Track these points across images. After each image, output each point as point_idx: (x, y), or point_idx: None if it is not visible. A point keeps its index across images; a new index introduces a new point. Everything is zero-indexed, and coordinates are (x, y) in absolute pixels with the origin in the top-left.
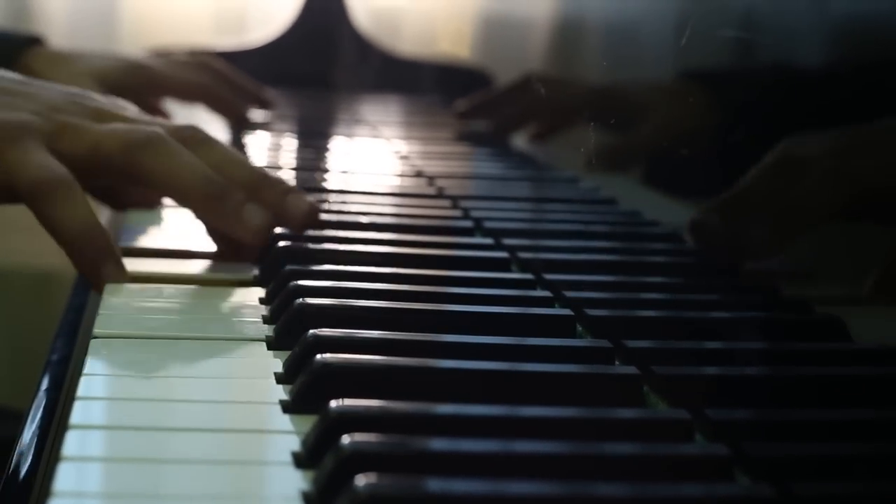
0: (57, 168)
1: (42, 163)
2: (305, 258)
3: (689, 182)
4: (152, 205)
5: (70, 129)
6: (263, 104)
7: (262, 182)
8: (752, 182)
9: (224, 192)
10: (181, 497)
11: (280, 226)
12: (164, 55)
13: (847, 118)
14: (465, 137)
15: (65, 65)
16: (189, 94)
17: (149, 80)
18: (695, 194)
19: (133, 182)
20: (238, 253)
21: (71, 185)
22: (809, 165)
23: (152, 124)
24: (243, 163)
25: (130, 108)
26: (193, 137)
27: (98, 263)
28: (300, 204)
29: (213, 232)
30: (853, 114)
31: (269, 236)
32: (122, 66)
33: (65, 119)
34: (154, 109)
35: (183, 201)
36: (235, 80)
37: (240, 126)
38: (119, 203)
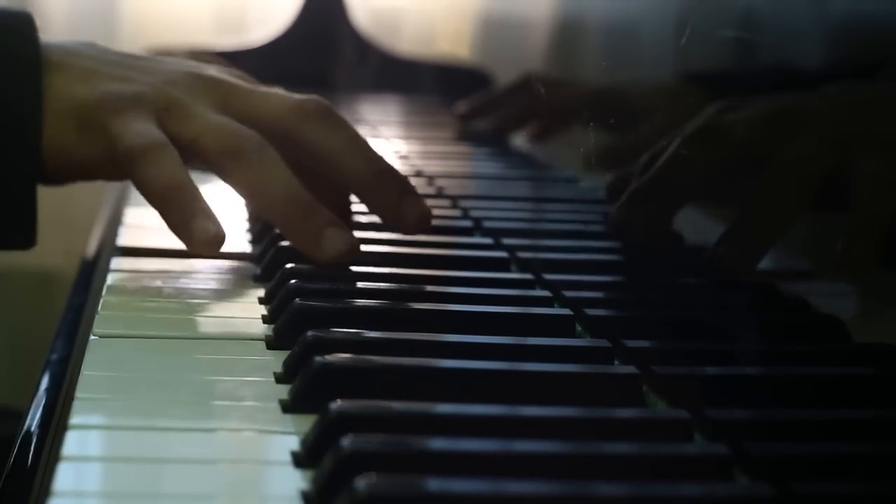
0: (154, 133)
1: (141, 130)
2: (305, 258)
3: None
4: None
5: (180, 109)
6: None
7: (380, 177)
8: (671, 159)
9: (306, 214)
10: (180, 496)
11: (391, 226)
12: (163, 55)
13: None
14: (465, 138)
15: None
16: None
17: None
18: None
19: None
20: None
21: (165, 147)
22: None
23: (269, 100)
24: (363, 150)
25: (248, 79)
26: (313, 114)
27: (187, 218)
28: (414, 209)
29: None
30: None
31: (349, 260)
32: None
33: (178, 95)
34: None
35: (264, 215)
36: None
37: None
38: None
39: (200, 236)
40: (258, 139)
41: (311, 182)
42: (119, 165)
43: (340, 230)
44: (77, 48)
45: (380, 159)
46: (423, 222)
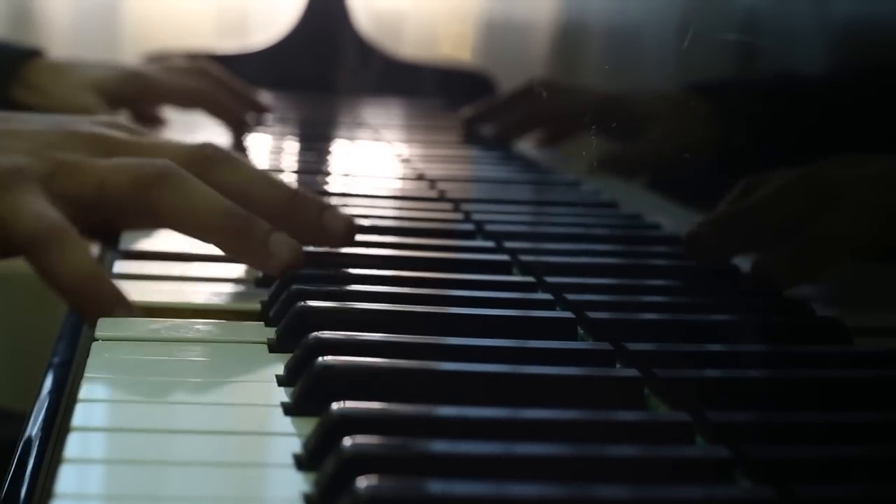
0: (52, 217)
1: (37, 212)
2: (306, 261)
3: (694, 190)
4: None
5: (69, 168)
6: (259, 109)
7: (294, 201)
8: (767, 199)
9: (248, 226)
10: (182, 499)
11: (317, 245)
12: (160, 60)
13: (855, 126)
14: (469, 142)
15: (64, 76)
16: (188, 101)
17: (147, 89)
18: (700, 202)
19: (144, 220)
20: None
21: (68, 234)
22: (841, 192)
23: (162, 149)
24: (272, 182)
25: (132, 129)
26: (213, 157)
27: (104, 310)
28: (338, 221)
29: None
30: (860, 121)
31: (300, 263)
32: (120, 75)
33: (62, 156)
34: (152, 117)
35: (204, 238)
36: (232, 84)
37: (240, 130)
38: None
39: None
40: (170, 163)
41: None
42: (15, 249)
43: (281, 235)
44: None
45: (286, 187)
46: (349, 231)
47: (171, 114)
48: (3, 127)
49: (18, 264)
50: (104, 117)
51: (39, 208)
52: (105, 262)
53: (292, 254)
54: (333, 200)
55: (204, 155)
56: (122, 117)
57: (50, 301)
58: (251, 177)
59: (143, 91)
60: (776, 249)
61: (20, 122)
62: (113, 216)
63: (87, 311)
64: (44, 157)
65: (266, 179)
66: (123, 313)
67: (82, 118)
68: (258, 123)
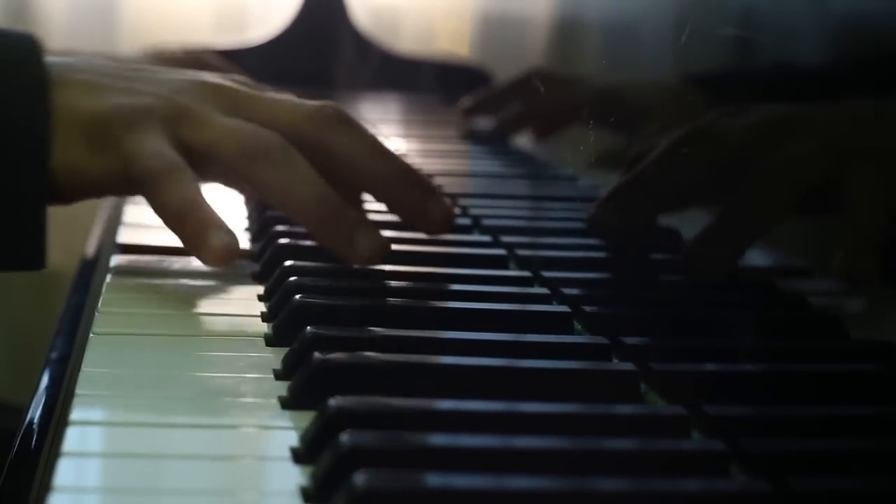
0: (169, 155)
1: (155, 150)
2: (304, 255)
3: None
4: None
5: (192, 116)
6: None
7: (402, 179)
8: (658, 160)
9: (337, 216)
10: (180, 492)
11: (414, 229)
12: (159, 53)
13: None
14: (468, 135)
15: None
16: None
17: None
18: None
19: (242, 186)
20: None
21: (181, 170)
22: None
23: (281, 107)
24: (385, 153)
25: (257, 86)
26: (332, 118)
27: (202, 231)
28: (438, 209)
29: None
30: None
31: (379, 260)
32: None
33: (187, 103)
34: None
35: (294, 218)
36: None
37: None
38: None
39: (216, 246)
40: (280, 139)
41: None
42: (133, 184)
43: (370, 230)
44: (80, 63)
45: (400, 161)
46: (447, 221)
47: None
48: (140, 74)
49: None
50: (230, 74)
51: (159, 147)
52: (102, 256)
53: (373, 251)
54: None
55: (323, 115)
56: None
57: (48, 296)
58: (363, 145)
59: None
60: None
61: (156, 71)
62: (216, 173)
63: (190, 243)
64: (170, 102)
65: (378, 149)
66: (220, 239)
67: (211, 72)
68: None
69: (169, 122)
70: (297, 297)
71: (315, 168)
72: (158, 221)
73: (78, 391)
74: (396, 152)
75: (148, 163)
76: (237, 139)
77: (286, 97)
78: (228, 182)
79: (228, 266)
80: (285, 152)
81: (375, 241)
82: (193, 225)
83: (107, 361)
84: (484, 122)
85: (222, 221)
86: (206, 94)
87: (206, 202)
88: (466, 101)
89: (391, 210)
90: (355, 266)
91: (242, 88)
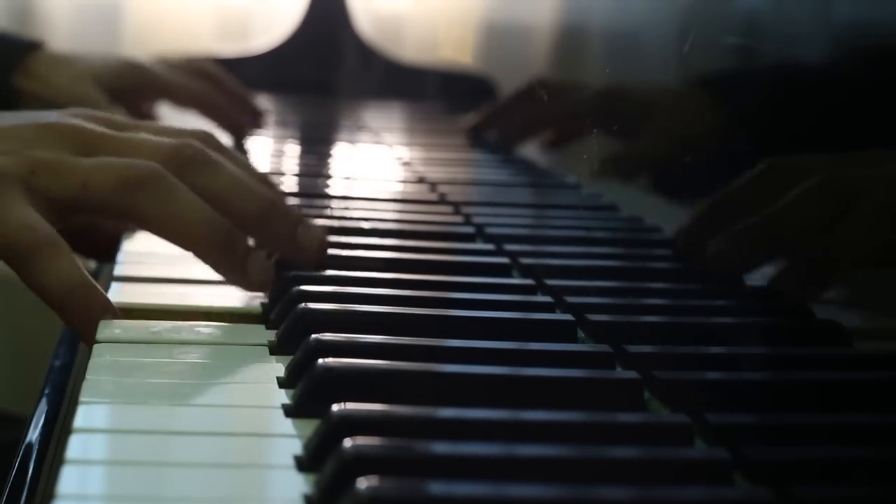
0: (40, 226)
1: (23, 221)
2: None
3: (695, 190)
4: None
5: (50, 166)
6: (255, 114)
7: (269, 212)
8: (789, 208)
9: (229, 241)
10: (183, 500)
11: (288, 257)
12: (163, 61)
13: (865, 121)
14: (474, 149)
15: (65, 67)
16: (185, 100)
17: (146, 82)
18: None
19: (127, 222)
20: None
21: (55, 244)
22: (862, 196)
23: (141, 146)
24: (252, 190)
25: (115, 122)
26: (193, 159)
27: (93, 318)
28: (311, 238)
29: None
30: (871, 116)
31: (269, 287)
32: (120, 66)
33: (41, 154)
34: (146, 114)
35: (184, 246)
36: (232, 88)
37: (235, 134)
38: (106, 253)
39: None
40: (158, 168)
41: None
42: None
43: (259, 257)
44: None
45: (266, 195)
46: (321, 249)
47: (166, 112)
48: None
49: None
50: (82, 110)
51: (25, 216)
52: (105, 265)
53: (264, 278)
54: (335, 203)
55: (184, 157)
56: (119, 111)
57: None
58: (229, 183)
59: (141, 84)
60: (794, 263)
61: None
62: (95, 217)
63: (76, 322)
64: (22, 156)
65: (243, 187)
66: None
67: (59, 112)
68: (254, 128)
69: (27, 180)
70: (301, 304)
71: None
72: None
73: (81, 398)
74: (263, 183)
75: (16, 237)
76: (111, 173)
77: (143, 137)
78: (106, 225)
79: None
80: (166, 179)
81: (266, 268)
82: (78, 308)
83: (110, 369)
84: (489, 137)
85: (107, 300)
86: (56, 140)
87: (91, 283)
88: (470, 120)
89: (263, 245)
90: (249, 291)
91: (95, 128)
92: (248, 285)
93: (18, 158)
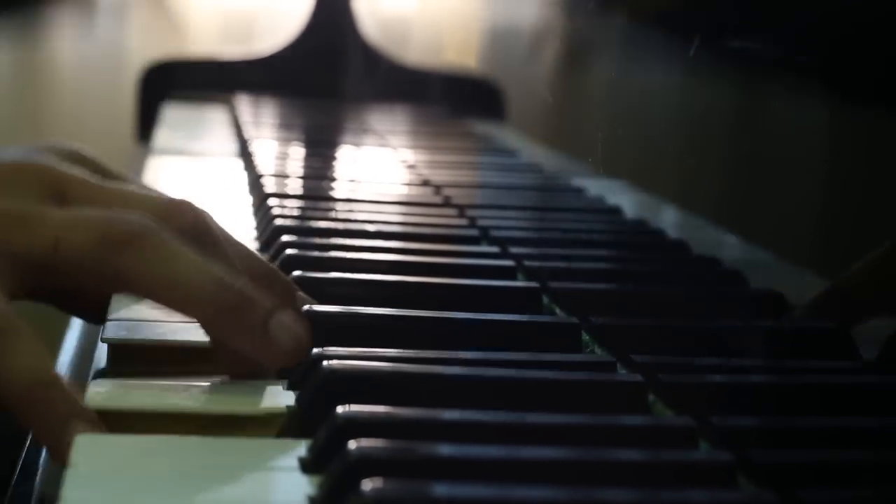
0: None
1: None
2: (312, 266)
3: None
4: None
5: (15, 220)
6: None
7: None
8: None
9: (244, 302)
10: (188, 501)
11: (256, 356)
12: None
13: None
14: None
15: None
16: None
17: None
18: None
19: (110, 287)
20: (255, 371)
21: (13, 328)
22: None
23: (128, 198)
24: (254, 258)
25: (97, 165)
26: (193, 228)
27: (60, 423)
28: (285, 335)
29: (223, 348)
30: None
31: (304, 354)
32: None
33: (2, 204)
34: None
35: (187, 313)
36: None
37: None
38: (93, 314)
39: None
40: (143, 219)
41: None
42: None
43: (286, 317)
44: None
45: (232, 287)
46: (298, 349)
47: None
48: None
49: None
50: (57, 145)
51: None
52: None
53: (297, 342)
54: (340, 206)
55: (182, 219)
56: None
57: (51, 321)
58: (233, 257)
59: None
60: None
61: None
62: (69, 281)
63: (37, 430)
64: None
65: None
66: (84, 430)
67: (27, 148)
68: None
69: None
70: (305, 308)
71: None
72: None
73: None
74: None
75: None
76: (88, 230)
77: (133, 188)
78: (83, 289)
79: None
80: (157, 233)
81: (298, 330)
82: (40, 413)
83: (113, 370)
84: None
85: (76, 405)
86: (23, 183)
87: (54, 376)
88: None
89: (231, 341)
90: (271, 365)
91: (73, 172)
92: (273, 355)
93: None
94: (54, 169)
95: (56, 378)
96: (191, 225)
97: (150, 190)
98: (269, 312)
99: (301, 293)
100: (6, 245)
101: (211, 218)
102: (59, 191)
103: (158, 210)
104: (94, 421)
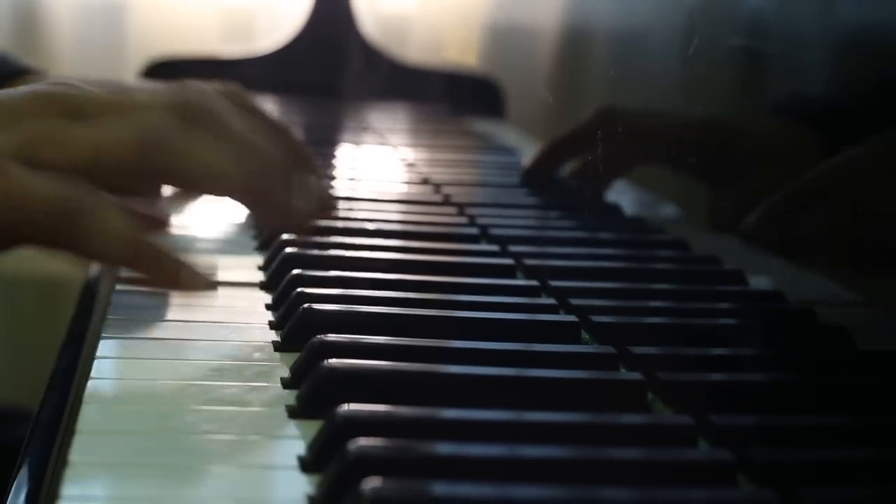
0: (64, 186)
1: (49, 189)
2: (312, 264)
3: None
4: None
5: (54, 137)
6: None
7: (271, 174)
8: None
9: (268, 172)
10: (188, 500)
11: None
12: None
13: None
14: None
15: None
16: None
17: None
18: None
19: (145, 186)
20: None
21: (106, 202)
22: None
23: (137, 102)
24: (253, 148)
25: (99, 82)
26: (200, 112)
27: (172, 267)
28: (310, 193)
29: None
30: None
31: (332, 210)
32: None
33: (39, 126)
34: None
35: (221, 193)
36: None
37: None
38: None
39: (192, 284)
40: (168, 121)
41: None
42: (22, 238)
43: (306, 177)
44: None
45: (270, 154)
46: (326, 204)
47: None
48: None
49: (25, 271)
50: (69, 77)
51: (43, 183)
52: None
53: (318, 200)
54: (339, 204)
55: (189, 110)
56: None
57: (56, 305)
58: (238, 137)
59: None
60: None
61: None
62: (106, 186)
63: (150, 271)
64: (17, 130)
65: (247, 146)
66: (189, 271)
67: (44, 82)
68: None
69: (29, 155)
70: (305, 305)
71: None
72: None
73: (86, 399)
74: (279, 134)
75: (42, 205)
76: (125, 138)
77: (136, 87)
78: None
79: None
80: (183, 133)
81: (318, 189)
82: (154, 259)
83: (115, 369)
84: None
85: (178, 259)
86: (46, 106)
87: (142, 238)
88: (527, 162)
89: (261, 211)
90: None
91: (91, 89)
92: (301, 214)
93: (13, 133)
94: (68, 90)
95: (145, 240)
96: (201, 111)
97: (154, 90)
98: (290, 179)
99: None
100: (49, 161)
101: (215, 99)
102: (83, 108)
103: (174, 110)
104: (193, 270)
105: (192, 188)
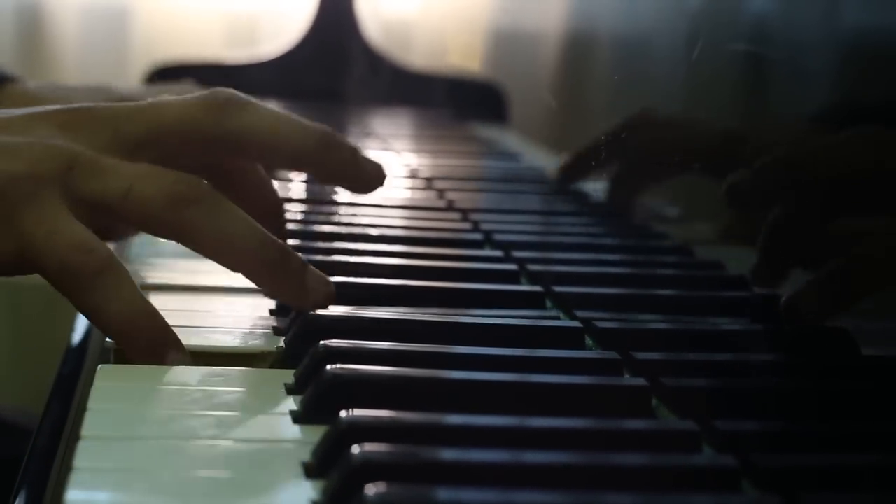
0: (97, 246)
1: (76, 239)
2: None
3: None
4: None
5: (91, 165)
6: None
7: (326, 143)
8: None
9: (284, 258)
10: None
11: (350, 189)
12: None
13: None
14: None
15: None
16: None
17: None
18: None
19: (164, 235)
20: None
21: (114, 267)
22: None
23: (167, 107)
24: (299, 123)
25: (138, 106)
26: (229, 103)
27: (159, 354)
28: (371, 164)
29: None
30: None
31: (333, 300)
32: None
33: (78, 149)
34: None
35: (235, 267)
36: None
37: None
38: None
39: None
40: (207, 185)
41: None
42: (37, 270)
43: (316, 271)
44: None
45: (317, 127)
46: (381, 175)
47: None
48: (5, 118)
49: (28, 279)
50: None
51: (77, 233)
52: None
53: (327, 291)
54: (343, 209)
55: (217, 105)
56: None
57: (59, 312)
58: (276, 119)
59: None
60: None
61: (20, 114)
62: (124, 225)
63: (137, 354)
64: (53, 152)
65: (292, 122)
66: (177, 361)
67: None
68: None
69: (64, 179)
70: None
71: (215, 170)
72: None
73: (90, 405)
74: (305, 120)
75: (71, 259)
76: (159, 184)
77: (169, 98)
78: (130, 232)
79: None
80: (215, 195)
81: (325, 283)
82: (147, 345)
83: (119, 374)
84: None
85: (173, 335)
86: (79, 127)
87: (152, 310)
88: (563, 161)
89: (323, 179)
90: (305, 310)
91: (112, 106)
92: (311, 302)
93: (49, 155)
94: (101, 107)
95: (155, 312)
96: (227, 104)
97: (181, 98)
98: (304, 266)
99: (362, 151)
100: (81, 188)
101: (250, 100)
102: (111, 125)
103: (199, 105)
104: (184, 351)
105: (208, 255)
